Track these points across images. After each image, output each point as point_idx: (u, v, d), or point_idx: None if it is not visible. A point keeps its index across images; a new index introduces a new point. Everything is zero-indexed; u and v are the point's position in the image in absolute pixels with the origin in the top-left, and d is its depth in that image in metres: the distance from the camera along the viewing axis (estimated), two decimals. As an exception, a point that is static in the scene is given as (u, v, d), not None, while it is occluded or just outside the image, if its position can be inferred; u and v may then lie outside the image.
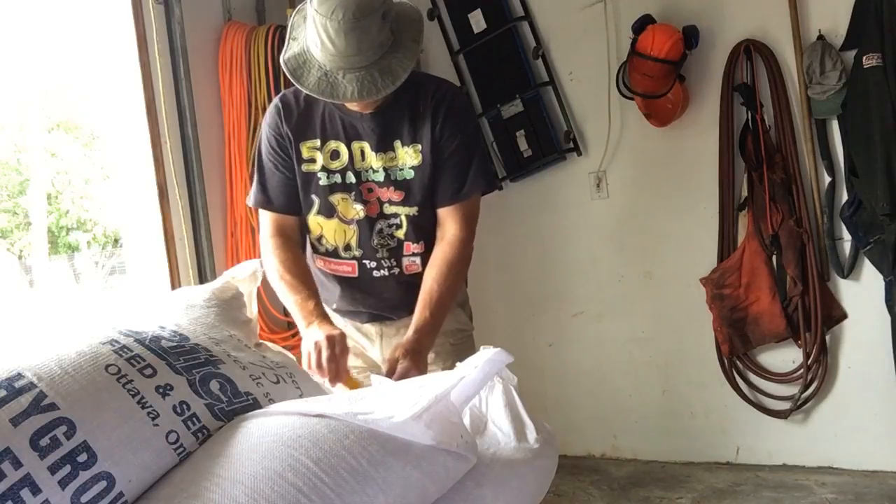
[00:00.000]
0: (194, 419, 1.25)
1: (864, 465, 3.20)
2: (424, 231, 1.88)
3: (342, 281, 1.95)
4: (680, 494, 3.22)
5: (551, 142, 3.63)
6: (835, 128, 3.14)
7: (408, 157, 1.82)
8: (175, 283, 2.72)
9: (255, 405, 1.35)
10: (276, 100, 1.91)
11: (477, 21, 3.68)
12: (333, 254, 1.92)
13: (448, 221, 1.86)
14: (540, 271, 3.78)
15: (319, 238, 1.92)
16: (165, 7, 2.75)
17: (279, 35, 2.92)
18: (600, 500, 3.25)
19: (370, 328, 1.99)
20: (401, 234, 1.88)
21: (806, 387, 3.24)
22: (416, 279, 1.86)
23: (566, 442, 3.55)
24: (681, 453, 3.55)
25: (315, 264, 1.97)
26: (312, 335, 1.69)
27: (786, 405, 3.29)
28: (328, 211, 1.88)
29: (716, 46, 3.30)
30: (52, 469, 1.07)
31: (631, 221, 3.58)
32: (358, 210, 1.86)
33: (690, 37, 3.18)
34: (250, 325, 1.67)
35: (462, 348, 1.93)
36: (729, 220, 3.32)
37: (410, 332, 1.75)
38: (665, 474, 3.45)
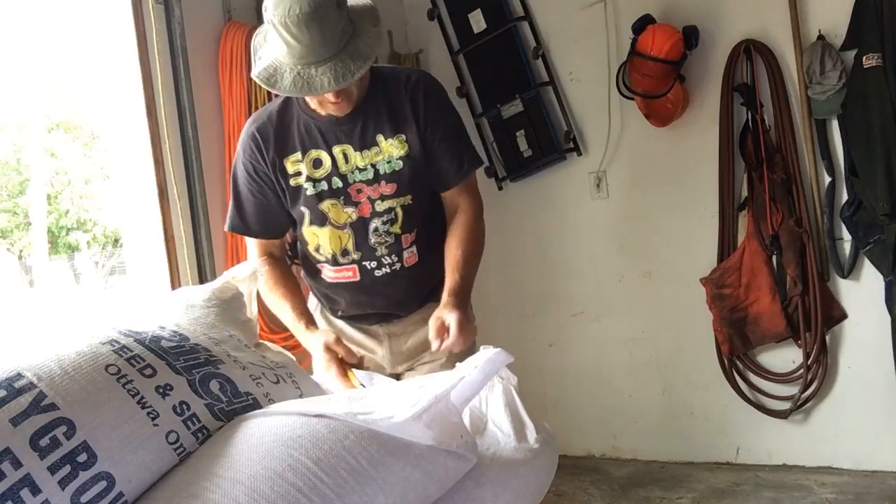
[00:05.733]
0: (194, 419, 1.25)
1: (864, 465, 3.20)
2: (417, 218, 1.91)
3: (346, 287, 1.96)
4: (680, 494, 3.22)
5: (551, 142, 3.63)
6: (835, 128, 3.13)
7: (393, 149, 1.84)
8: (175, 283, 2.72)
9: (255, 405, 1.35)
10: (249, 126, 1.91)
11: (477, 21, 3.68)
12: (333, 261, 1.93)
13: (457, 199, 1.93)
14: (540, 271, 3.79)
15: (317, 248, 1.94)
16: (165, 7, 2.74)
17: (279, 35, 2.92)
18: (600, 500, 3.25)
19: (378, 329, 2.01)
20: (397, 228, 1.89)
21: (806, 387, 3.24)
22: (417, 270, 1.93)
23: (566, 442, 3.55)
24: (681, 453, 3.55)
25: (315, 277, 2.01)
26: (313, 343, 1.81)
27: (786, 405, 3.29)
28: (320, 220, 1.89)
29: (716, 46, 3.30)
30: (52, 469, 1.07)
31: (631, 221, 3.58)
32: (350, 213, 1.87)
33: (690, 37, 3.18)
34: (250, 325, 1.67)
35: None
36: (729, 220, 3.31)
37: (445, 295, 1.79)
38: (665, 474, 3.45)
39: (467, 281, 1.84)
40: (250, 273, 1.75)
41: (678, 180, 3.46)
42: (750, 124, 3.23)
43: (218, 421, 1.28)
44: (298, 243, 2.01)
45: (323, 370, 1.76)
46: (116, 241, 4.93)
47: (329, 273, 1.96)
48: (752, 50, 3.22)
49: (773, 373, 3.33)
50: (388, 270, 1.92)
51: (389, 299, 1.96)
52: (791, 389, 3.29)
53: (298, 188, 1.87)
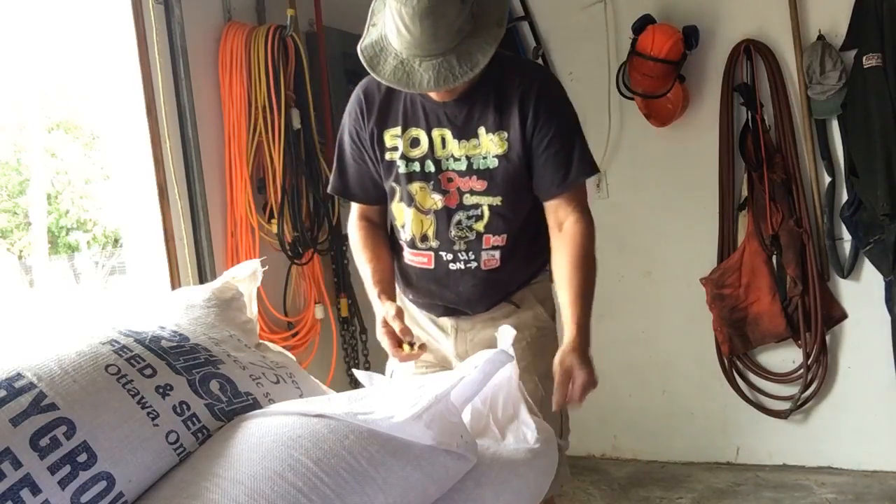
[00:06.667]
0: (194, 419, 1.25)
1: (864, 465, 3.20)
2: (508, 223, 1.81)
3: (419, 272, 1.90)
4: (680, 494, 3.22)
5: (551, 142, 3.62)
6: (835, 128, 3.13)
7: (492, 145, 1.74)
8: (175, 283, 2.72)
9: (255, 405, 1.36)
10: (358, 90, 1.85)
11: (477, 21, 3.67)
12: (411, 244, 1.87)
13: (561, 212, 1.80)
14: (540, 271, 3.78)
15: (402, 226, 1.88)
16: (165, 7, 2.74)
17: (279, 35, 2.92)
18: (600, 500, 3.25)
19: (445, 321, 1.94)
20: (480, 226, 1.81)
21: (806, 387, 3.24)
22: (494, 275, 1.84)
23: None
24: (681, 453, 3.55)
25: (398, 254, 1.95)
26: (377, 313, 1.79)
27: (786, 405, 3.29)
28: (408, 199, 1.83)
29: (716, 46, 3.30)
30: (52, 469, 1.07)
31: (631, 221, 3.58)
32: (436, 200, 1.80)
33: (690, 37, 3.18)
34: (250, 325, 1.67)
35: (540, 344, 1.90)
36: (729, 220, 3.31)
37: (572, 331, 1.73)
38: (665, 474, 3.45)
39: (589, 315, 1.76)
40: (250, 273, 1.75)
41: (678, 180, 3.46)
42: (750, 124, 3.23)
43: (218, 421, 1.28)
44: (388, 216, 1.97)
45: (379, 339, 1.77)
46: (116, 241, 4.93)
47: (407, 254, 1.91)
48: (752, 50, 3.22)
49: (773, 373, 3.33)
50: (463, 267, 1.84)
51: (459, 296, 1.88)
52: (791, 389, 3.29)
53: (392, 163, 1.80)
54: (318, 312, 3.17)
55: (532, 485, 1.37)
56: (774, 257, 3.22)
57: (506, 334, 1.44)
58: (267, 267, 1.87)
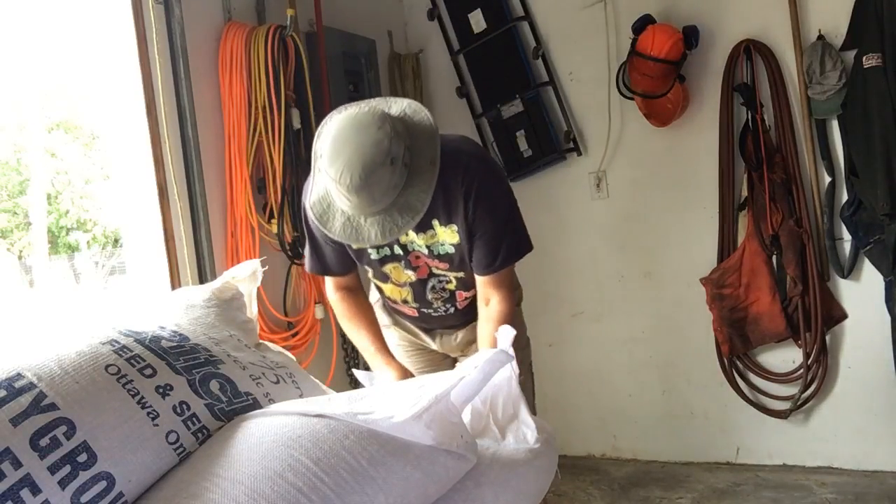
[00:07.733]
0: (194, 419, 1.25)
1: (864, 465, 3.20)
2: (473, 281, 1.99)
3: (405, 315, 2.16)
4: (680, 494, 3.22)
5: (551, 142, 3.63)
6: (835, 128, 3.13)
7: (446, 236, 1.89)
8: (175, 283, 2.71)
9: (255, 405, 1.36)
10: None
11: (477, 21, 3.68)
12: (394, 300, 2.10)
13: (487, 289, 1.96)
14: (540, 271, 3.77)
15: (381, 290, 2.10)
16: (165, 7, 2.74)
17: (279, 35, 2.92)
18: (600, 500, 3.25)
19: (434, 332, 2.22)
20: (451, 286, 2.01)
21: (806, 387, 3.24)
22: (470, 307, 2.05)
23: (566, 442, 3.55)
24: (681, 453, 3.55)
25: (381, 292, 2.15)
26: (386, 380, 1.99)
27: (786, 405, 3.29)
28: (383, 278, 2.02)
29: (716, 46, 3.30)
30: (52, 469, 1.07)
31: (631, 221, 3.58)
32: (409, 275, 1.98)
33: (690, 37, 3.18)
34: (250, 325, 1.67)
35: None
36: (729, 220, 3.31)
37: None
38: (665, 474, 3.45)
39: None
40: (250, 273, 1.76)
41: (678, 180, 3.46)
42: (750, 124, 3.23)
43: (218, 421, 1.28)
44: None
45: None
46: (116, 241, 4.92)
47: (392, 305, 2.14)
48: (752, 50, 3.22)
49: (773, 373, 3.33)
50: (443, 314, 2.08)
51: (443, 324, 2.15)
52: (791, 389, 3.29)
53: (363, 250, 1.94)
54: (318, 312, 3.17)
55: (532, 485, 1.37)
56: (774, 257, 3.22)
57: (506, 334, 1.44)
58: (267, 267, 1.88)
